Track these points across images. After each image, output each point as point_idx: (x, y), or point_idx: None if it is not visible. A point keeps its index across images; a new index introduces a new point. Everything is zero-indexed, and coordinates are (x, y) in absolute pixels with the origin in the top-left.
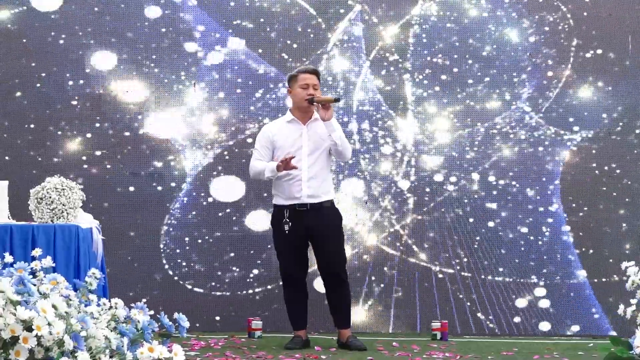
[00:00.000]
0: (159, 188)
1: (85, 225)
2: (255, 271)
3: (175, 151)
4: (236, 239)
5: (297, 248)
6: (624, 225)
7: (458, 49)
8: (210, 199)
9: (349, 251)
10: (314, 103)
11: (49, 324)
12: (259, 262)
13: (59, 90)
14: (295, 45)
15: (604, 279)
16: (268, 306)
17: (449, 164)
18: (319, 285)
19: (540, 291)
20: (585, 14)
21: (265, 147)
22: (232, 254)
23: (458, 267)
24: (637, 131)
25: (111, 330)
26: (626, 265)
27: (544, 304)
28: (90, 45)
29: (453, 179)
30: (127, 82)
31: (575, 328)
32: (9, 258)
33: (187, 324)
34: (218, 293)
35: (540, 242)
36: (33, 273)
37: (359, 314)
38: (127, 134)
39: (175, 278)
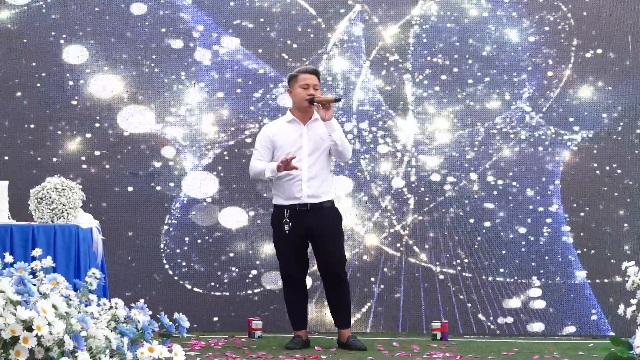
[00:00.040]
0: (158, 188)
1: (86, 225)
2: (255, 271)
3: (175, 151)
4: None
5: (297, 248)
6: (625, 225)
7: (458, 49)
8: (210, 199)
9: (349, 251)
10: (314, 103)
11: (49, 324)
12: (257, 262)
13: (59, 90)
14: (295, 45)
15: (605, 280)
16: (268, 306)
17: (449, 164)
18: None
19: (540, 292)
20: (585, 13)
21: (266, 147)
22: (232, 254)
23: (459, 268)
24: (638, 131)
25: (111, 330)
26: (626, 265)
27: (545, 304)
28: (91, 45)
29: (453, 179)
30: (127, 82)
31: (575, 328)
32: (9, 258)
33: (187, 324)
34: (218, 293)
35: (541, 243)
36: (33, 273)
37: (360, 314)
38: (126, 134)
39: (175, 278)
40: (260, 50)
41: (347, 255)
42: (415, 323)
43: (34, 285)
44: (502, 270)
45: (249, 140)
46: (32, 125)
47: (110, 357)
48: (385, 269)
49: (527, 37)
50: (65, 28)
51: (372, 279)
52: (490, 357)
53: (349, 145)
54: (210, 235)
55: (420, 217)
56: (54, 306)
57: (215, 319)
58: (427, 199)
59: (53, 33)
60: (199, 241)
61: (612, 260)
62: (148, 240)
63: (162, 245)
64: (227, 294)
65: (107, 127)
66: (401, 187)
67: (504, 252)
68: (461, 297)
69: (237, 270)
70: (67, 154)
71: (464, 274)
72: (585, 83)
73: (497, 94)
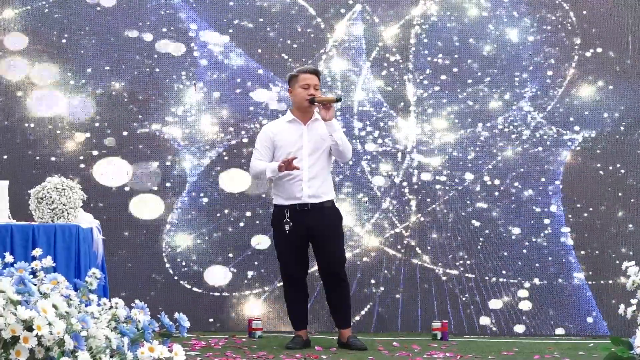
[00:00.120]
0: (159, 188)
1: (86, 225)
2: (255, 272)
3: (175, 151)
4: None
5: (297, 248)
6: (630, 226)
7: (459, 48)
8: (210, 199)
9: (350, 252)
10: (315, 103)
11: (50, 324)
12: (256, 263)
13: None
14: (295, 45)
15: (610, 281)
16: (268, 306)
17: (451, 165)
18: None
19: (540, 292)
20: (584, 12)
21: (266, 147)
22: (231, 254)
23: (462, 269)
24: None
25: (112, 330)
26: (626, 265)
27: (545, 304)
28: (90, 45)
29: (455, 179)
30: (126, 82)
31: (576, 329)
32: (9, 258)
33: (187, 324)
34: (217, 293)
35: (544, 244)
36: (33, 273)
37: (360, 314)
38: (126, 133)
39: (175, 278)
40: (260, 50)
41: (348, 255)
42: (417, 323)
43: (35, 285)
44: (504, 272)
45: (245, 140)
46: (32, 125)
47: (111, 357)
48: (386, 270)
49: (528, 37)
50: (67, 28)
51: (372, 281)
52: (491, 357)
53: (350, 145)
54: (210, 235)
55: (422, 218)
56: (54, 306)
57: (217, 318)
58: (428, 199)
59: (55, 32)
60: (199, 241)
61: (617, 262)
62: (148, 240)
63: (162, 245)
64: (227, 294)
65: (107, 127)
66: (405, 188)
67: (505, 253)
68: (463, 297)
69: (237, 270)
70: (67, 153)
71: (467, 275)
72: (587, 82)
73: (498, 93)
